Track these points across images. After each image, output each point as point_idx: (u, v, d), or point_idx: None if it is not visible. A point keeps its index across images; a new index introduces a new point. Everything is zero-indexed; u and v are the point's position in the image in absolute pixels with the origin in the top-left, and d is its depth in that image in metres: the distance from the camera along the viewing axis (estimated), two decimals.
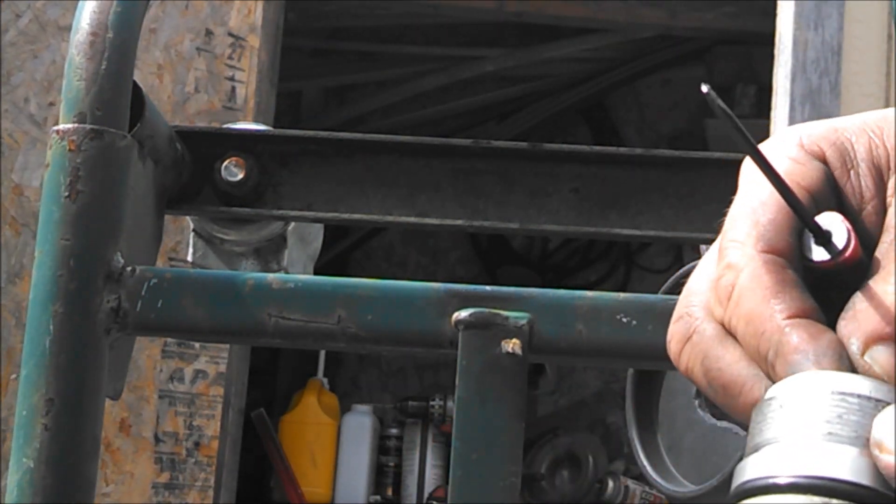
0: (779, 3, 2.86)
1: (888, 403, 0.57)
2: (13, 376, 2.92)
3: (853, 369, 0.58)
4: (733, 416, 0.61)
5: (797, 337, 0.58)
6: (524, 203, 1.04)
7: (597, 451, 4.71)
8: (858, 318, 0.59)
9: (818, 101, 2.74)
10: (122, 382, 0.95)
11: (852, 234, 0.60)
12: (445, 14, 4.75)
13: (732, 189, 1.03)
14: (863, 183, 0.62)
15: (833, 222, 0.60)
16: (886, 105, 2.71)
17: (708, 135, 4.91)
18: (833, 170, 0.62)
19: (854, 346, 0.59)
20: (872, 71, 2.75)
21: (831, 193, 0.62)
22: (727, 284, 0.60)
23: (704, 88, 0.60)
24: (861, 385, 0.57)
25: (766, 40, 3.09)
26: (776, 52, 2.84)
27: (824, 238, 0.60)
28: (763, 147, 0.62)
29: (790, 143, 0.62)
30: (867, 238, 0.61)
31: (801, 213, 0.60)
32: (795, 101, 2.74)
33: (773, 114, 2.81)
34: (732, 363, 0.60)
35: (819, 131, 0.63)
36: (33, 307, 0.90)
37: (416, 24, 4.95)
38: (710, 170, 1.04)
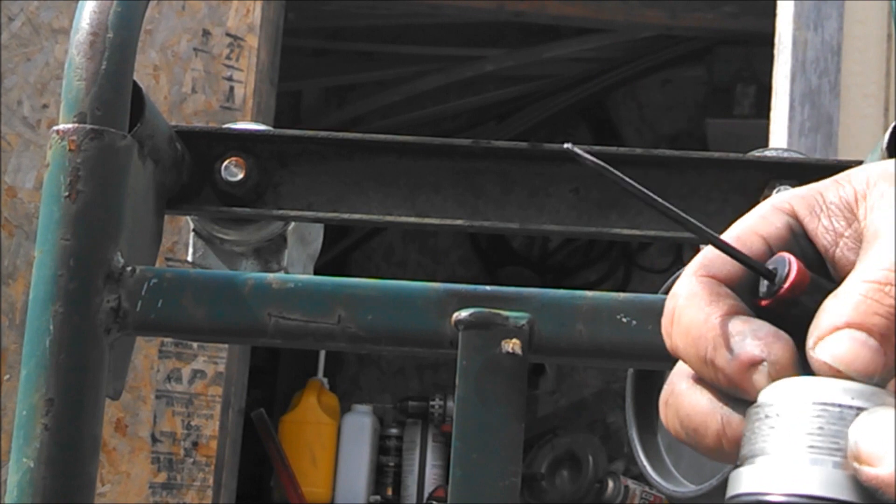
0: (778, 3, 2.86)
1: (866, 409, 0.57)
2: (7, 377, 2.92)
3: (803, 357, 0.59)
4: (713, 458, 0.63)
5: (732, 326, 0.61)
6: (524, 203, 1.04)
7: (597, 451, 4.71)
8: (814, 323, 0.61)
9: (818, 101, 2.74)
10: (122, 382, 0.95)
11: (793, 267, 0.62)
12: (445, 14, 4.75)
13: (732, 189, 1.03)
14: (833, 222, 0.65)
15: (780, 261, 0.63)
16: (886, 105, 2.71)
17: (708, 135, 4.91)
18: (801, 219, 0.65)
19: (808, 347, 0.60)
20: (872, 71, 2.75)
21: (794, 240, 0.65)
22: (669, 310, 0.63)
23: (567, 146, 0.63)
24: (841, 393, 0.57)
25: (766, 40, 3.09)
26: (776, 52, 2.84)
27: (769, 275, 0.62)
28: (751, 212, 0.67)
29: (765, 204, 0.67)
30: (844, 266, 0.63)
31: (731, 253, 0.63)
32: (795, 101, 2.74)
33: (772, 114, 2.81)
34: (696, 405, 0.63)
35: (793, 192, 0.67)
36: (33, 307, 0.90)
37: (416, 24, 4.95)
38: (710, 170, 1.04)
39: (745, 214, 0.67)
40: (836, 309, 0.60)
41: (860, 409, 0.57)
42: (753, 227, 0.65)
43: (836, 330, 0.59)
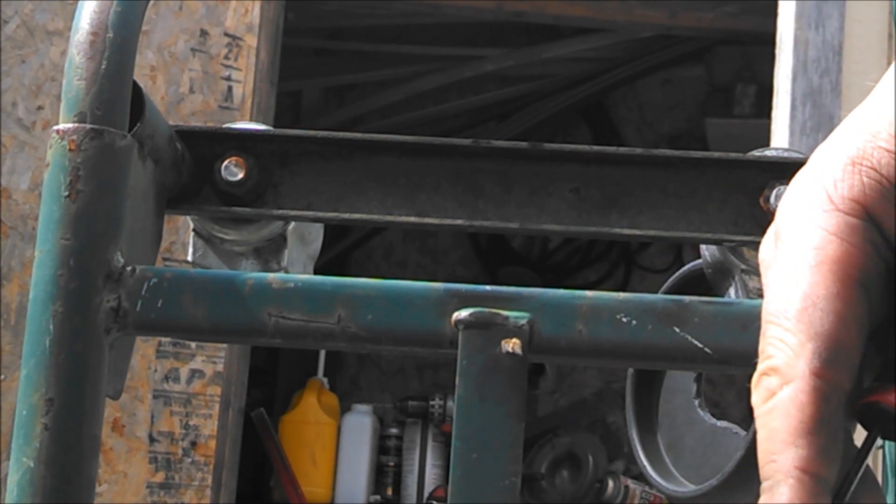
0: (779, 2, 2.86)
1: None
2: (2, 377, 2.92)
3: None
4: None
5: (788, 498, 0.58)
6: (524, 203, 1.04)
7: (597, 451, 4.71)
8: None
9: (819, 100, 2.74)
10: (122, 382, 0.95)
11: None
12: (445, 14, 4.75)
13: (732, 189, 1.03)
14: None
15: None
16: None
17: (708, 135, 4.91)
18: (879, 221, 0.60)
19: None
20: (873, 71, 2.75)
21: (878, 257, 0.60)
22: (768, 389, 0.60)
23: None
24: None
25: (766, 40, 3.09)
26: (777, 51, 2.84)
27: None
28: (790, 207, 0.61)
29: (828, 216, 0.60)
30: None
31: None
32: (796, 101, 2.74)
33: (774, 113, 2.81)
34: None
35: (839, 173, 0.61)
36: (33, 307, 0.90)
37: (416, 24, 4.95)
38: (710, 170, 1.03)
39: (792, 208, 0.61)
40: None
41: None
42: (849, 269, 0.59)
43: None
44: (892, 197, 0.60)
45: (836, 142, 0.62)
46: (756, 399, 0.61)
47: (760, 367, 0.61)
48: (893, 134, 0.61)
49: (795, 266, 0.60)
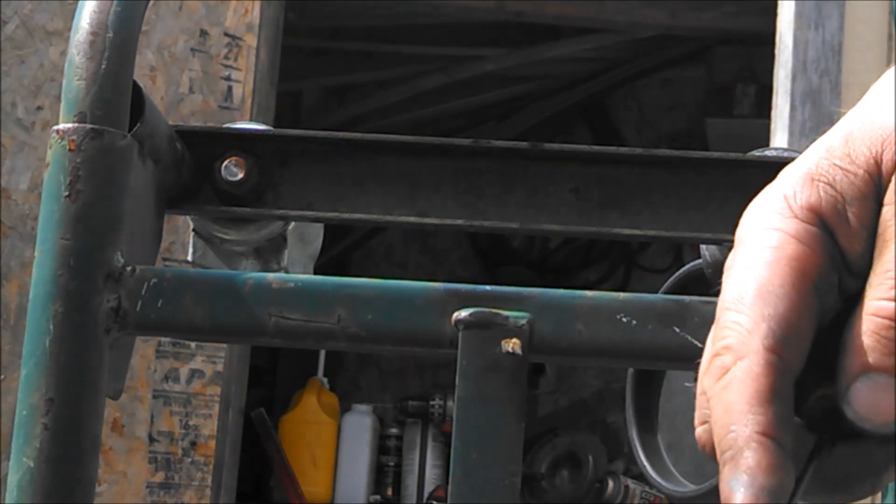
0: (779, 2, 2.86)
1: None
2: (2, 377, 2.92)
3: None
4: None
5: (754, 461, 0.59)
6: (524, 203, 1.04)
7: (597, 451, 4.71)
8: (839, 366, 0.60)
9: (818, 100, 2.74)
10: (122, 382, 0.95)
11: None
12: (445, 14, 4.75)
13: (732, 189, 1.03)
14: (860, 222, 0.62)
15: None
16: None
17: (708, 135, 4.91)
18: (833, 228, 0.62)
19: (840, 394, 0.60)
20: (873, 71, 2.75)
21: (831, 261, 0.62)
22: (721, 367, 0.61)
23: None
24: None
25: (766, 40, 3.09)
26: (776, 51, 2.84)
27: None
28: (754, 214, 0.63)
29: (787, 221, 0.62)
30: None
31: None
32: (796, 101, 2.74)
33: (773, 113, 2.81)
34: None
35: (799, 183, 0.63)
36: (33, 307, 0.90)
37: (416, 24, 4.95)
38: (710, 170, 1.03)
39: (756, 214, 0.63)
40: (855, 348, 0.59)
41: None
42: (801, 264, 0.61)
43: (857, 377, 0.59)
44: (845, 213, 0.62)
45: (797, 161, 0.65)
46: (709, 380, 0.62)
47: (713, 349, 0.62)
48: (847, 153, 0.63)
49: (753, 262, 0.62)
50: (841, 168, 0.63)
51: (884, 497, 1.31)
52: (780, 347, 0.60)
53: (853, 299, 0.61)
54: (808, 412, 0.63)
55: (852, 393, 0.60)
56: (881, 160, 0.62)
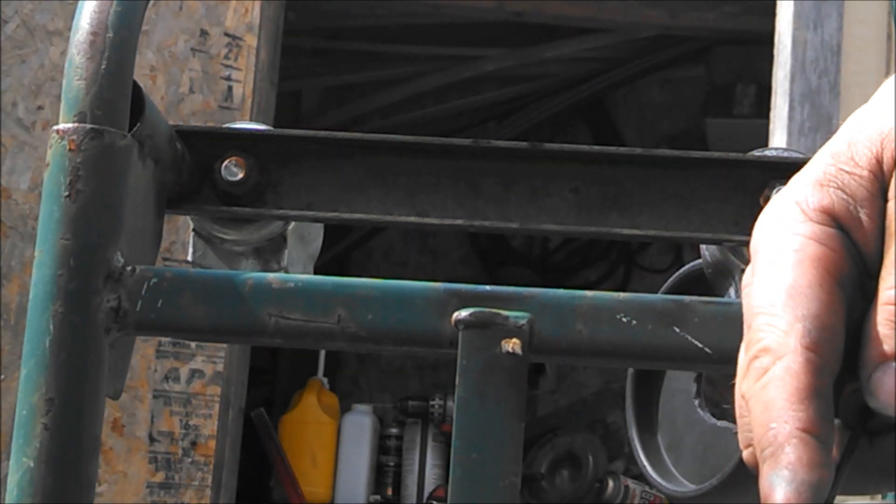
0: (778, 3, 2.86)
1: None
2: (2, 377, 2.92)
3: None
4: None
5: (795, 456, 0.59)
6: (524, 203, 1.04)
7: (597, 451, 4.71)
8: (861, 355, 0.61)
9: (818, 101, 2.74)
10: (122, 382, 0.95)
11: None
12: (445, 14, 4.75)
13: (732, 189, 1.03)
14: (872, 220, 0.63)
15: None
16: None
17: (708, 135, 4.91)
18: (848, 230, 0.63)
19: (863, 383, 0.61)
20: (872, 71, 2.75)
21: (851, 261, 0.63)
22: (760, 368, 0.61)
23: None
24: None
25: (766, 40, 3.09)
26: (776, 52, 2.84)
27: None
28: (768, 221, 0.64)
29: (804, 226, 0.63)
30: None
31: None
32: (795, 101, 2.74)
33: (772, 114, 2.81)
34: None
35: (811, 187, 0.64)
36: (33, 307, 0.90)
37: (416, 24, 4.95)
38: (710, 170, 1.04)
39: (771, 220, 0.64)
40: (873, 337, 0.60)
41: None
42: (827, 266, 0.62)
43: (877, 366, 0.60)
44: (858, 214, 0.63)
45: (804, 170, 0.66)
46: (747, 383, 0.62)
47: (750, 353, 0.62)
48: (851, 156, 0.64)
49: (777, 267, 0.63)
50: (847, 172, 0.64)
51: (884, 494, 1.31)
52: (818, 346, 0.60)
53: (872, 300, 0.62)
54: (841, 409, 0.63)
55: (873, 383, 0.60)
56: (882, 158, 0.63)
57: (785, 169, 1.01)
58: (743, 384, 0.62)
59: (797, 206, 0.64)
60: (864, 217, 0.63)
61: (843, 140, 0.65)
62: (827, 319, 0.61)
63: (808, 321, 0.61)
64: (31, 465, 0.88)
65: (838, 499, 0.62)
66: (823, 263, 0.62)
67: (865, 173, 0.63)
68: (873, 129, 0.64)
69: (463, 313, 0.89)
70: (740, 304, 0.78)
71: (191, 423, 3.00)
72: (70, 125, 0.92)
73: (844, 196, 0.63)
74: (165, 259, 2.93)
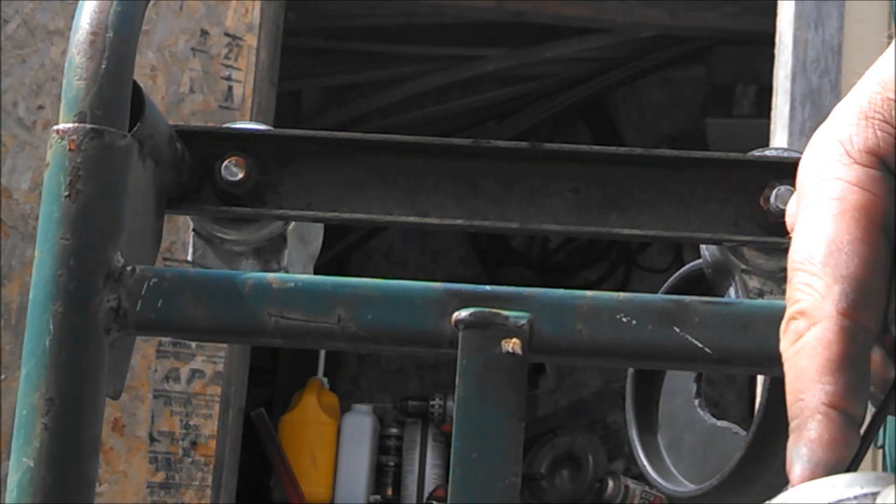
0: (779, 2, 2.86)
1: None
2: (2, 377, 2.92)
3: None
4: None
5: (816, 434, 0.59)
6: (524, 203, 1.04)
7: (597, 451, 4.71)
8: None
9: (818, 101, 2.74)
10: (122, 382, 0.95)
11: None
12: (445, 14, 4.75)
13: (732, 189, 1.02)
14: None
15: None
16: None
17: (708, 135, 4.91)
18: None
19: None
20: None
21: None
22: (796, 331, 0.61)
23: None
24: (848, 488, 0.57)
25: (766, 40, 3.09)
26: (776, 51, 2.84)
27: None
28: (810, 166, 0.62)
29: (849, 169, 0.61)
30: None
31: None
32: (796, 101, 2.74)
33: (773, 113, 2.81)
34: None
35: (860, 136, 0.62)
36: (33, 307, 0.90)
37: (416, 24, 4.95)
38: (710, 170, 1.03)
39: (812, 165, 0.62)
40: None
41: (873, 495, 0.57)
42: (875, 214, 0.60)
43: None
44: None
45: (850, 96, 0.64)
46: (784, 343, 0.61)
47: (788, 312, 0.61)
48: None
49: (818, 216, 0.61)
50: (895, 101, 0.62)
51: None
52: (854, 311, 0.59)
53: None
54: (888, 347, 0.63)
55: None
56: None
57: (785, 169, 1.01)
58: (782, 342, 0.62)
59: (840, 145, 0.62)
60: None
61: (891, 65, 0.63)
62: (867, 278, 0.60)
63: (847, 283, 0.60)
64: (31, 465, 0.88)
65: None
66: (865, 212, 0.60)
67: None
68: None
69: (463, 313, 0.89)
70: (741, 304, 0.78)
71: (191, 423, 3.00)
72: (70, 125, 0.92)
73: (891, 130, 0.61)
74: (165, 259, 2.93)
